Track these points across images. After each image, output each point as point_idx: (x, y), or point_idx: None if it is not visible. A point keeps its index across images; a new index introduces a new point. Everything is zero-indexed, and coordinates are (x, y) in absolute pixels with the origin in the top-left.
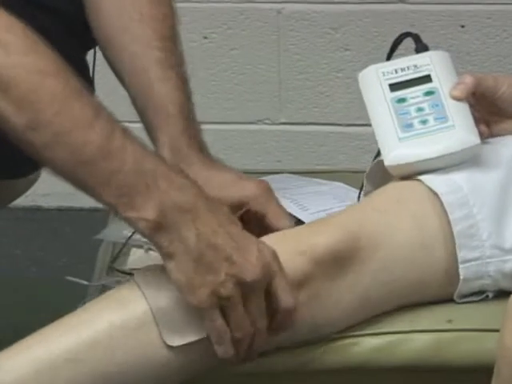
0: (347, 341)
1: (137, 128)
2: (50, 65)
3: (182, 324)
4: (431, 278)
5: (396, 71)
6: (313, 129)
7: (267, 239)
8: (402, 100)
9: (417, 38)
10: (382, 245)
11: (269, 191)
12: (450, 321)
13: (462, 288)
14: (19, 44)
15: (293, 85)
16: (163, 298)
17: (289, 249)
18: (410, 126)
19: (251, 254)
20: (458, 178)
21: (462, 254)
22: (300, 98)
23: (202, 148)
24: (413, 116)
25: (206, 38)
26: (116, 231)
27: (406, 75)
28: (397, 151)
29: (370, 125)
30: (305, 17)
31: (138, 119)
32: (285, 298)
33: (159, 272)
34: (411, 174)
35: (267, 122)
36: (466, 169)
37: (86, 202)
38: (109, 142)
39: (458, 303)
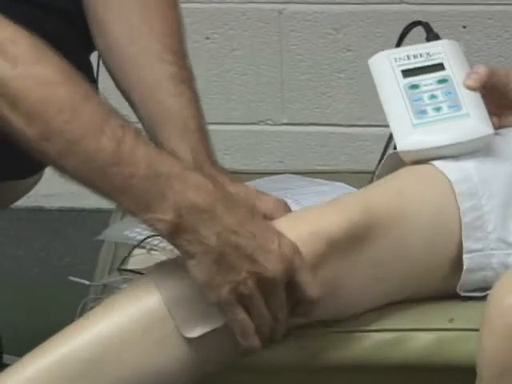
0: (348, 337)
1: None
2: (58, 73)
3: (197, 314)
4: (441, 259)
5: (408, 57)
6: (314, 129)
7: (280, 221)
8: (414, 86)
9: (427, 27)
10: (394, 224)
11: (288, 207)
12: (451, 320)
13: (465, 279)
14: (26, 55)
15: (295, 85)
16: (176, 290)
17: (302, 231)
18: (424, 112)
19: (272, 251)
20: (469, 166)
21: (466, 245)
22: (302, 99)
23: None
24: (426, 103)
25: (207, 38)
26: (117, 232)
27: (418, 62)
28: (411, 137)
29: (371, 125)
30: (306, 17)
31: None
32: (309, 290)
33: (172, 266)
34: (423, 160)
35: (269, 122)
36: (477, 158)
37: (87, 202)
38: (120, 147)
39: (460, 302)
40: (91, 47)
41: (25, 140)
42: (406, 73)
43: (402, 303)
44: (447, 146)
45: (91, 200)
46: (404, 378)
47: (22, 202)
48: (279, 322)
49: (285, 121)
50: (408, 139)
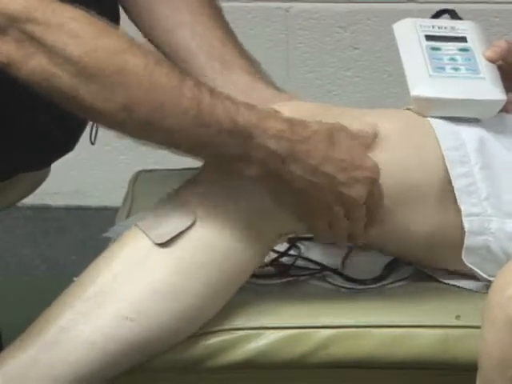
0: (352, 333)
1: None
2: (123, 43)
3: (164, 224)
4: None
5: (433, 27)
6: None
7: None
8: (436, 48)
9: (454, 14)
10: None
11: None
12: (457, 317)
13: (468, 243)
14: (89, 30)
15: (301, 83)
16: (148, 216)
17: None
18: (442, 68)
19: (358, 181)
20: (466, 134)
21: (464, 208)
22: (308, 97)
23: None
24: (445, 62)
25: None
26: (123, 229)
27: (442, 32)
28: (425, 84)
29: None
30: (313, 15)
31: None
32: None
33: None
34: (433, 111)
35: None
36: (478, 129)
37: (93, 200)
38: (200, 107)
39: (467, 299)
40: None
41: (103, 116)
42: (429, 37)
43: (407, 299)
44: (459, 100)
45: (97, 198)
46: (409, 375)
47: (28, 200)
48: (359, 225)
49: None
50: (422, 85)
